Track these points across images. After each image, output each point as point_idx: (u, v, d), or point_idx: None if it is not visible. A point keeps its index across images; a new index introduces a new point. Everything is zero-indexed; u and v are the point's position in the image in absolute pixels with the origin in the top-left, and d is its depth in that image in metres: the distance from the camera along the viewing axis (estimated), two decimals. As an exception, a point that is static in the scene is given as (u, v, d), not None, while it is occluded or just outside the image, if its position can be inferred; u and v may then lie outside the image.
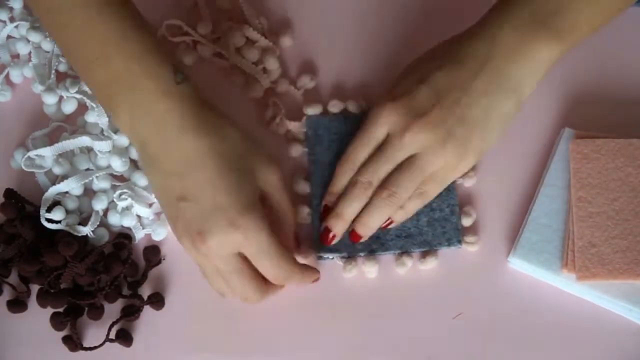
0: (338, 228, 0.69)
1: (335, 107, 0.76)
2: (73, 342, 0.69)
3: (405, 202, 0.68)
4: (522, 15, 0.65)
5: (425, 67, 0.67)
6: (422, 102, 0.66)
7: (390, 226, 0.69)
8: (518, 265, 0.70)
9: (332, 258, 0.72)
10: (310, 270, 0.68)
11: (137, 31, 0.63)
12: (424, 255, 0.72)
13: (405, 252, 0.71)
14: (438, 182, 0.68)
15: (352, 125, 0.73)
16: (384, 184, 0.68)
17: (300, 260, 0.70)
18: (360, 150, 0.69)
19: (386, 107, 0.67)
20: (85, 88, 0.74)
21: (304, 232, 0.72)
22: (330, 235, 0.69)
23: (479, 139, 0.66)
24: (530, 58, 0.65)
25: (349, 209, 0.69)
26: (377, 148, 0.68)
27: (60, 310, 0.70)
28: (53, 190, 0.72)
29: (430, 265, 0.71)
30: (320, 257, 0.72)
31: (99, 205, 0.72)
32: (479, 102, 0.65)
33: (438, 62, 0.67)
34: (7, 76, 0.78)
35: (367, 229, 0.69)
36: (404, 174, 0.67)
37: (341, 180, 0.70)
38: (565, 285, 0.70)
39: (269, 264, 0.64)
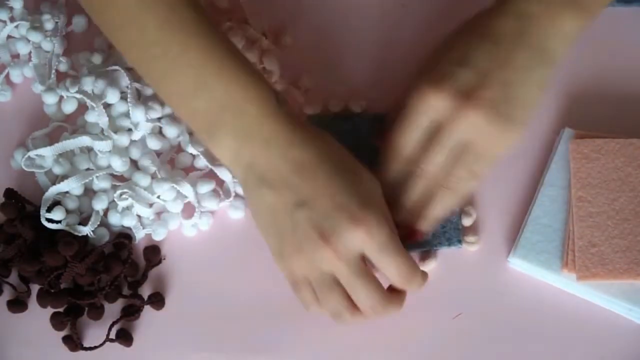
0: (398, 218, 0.67)
1: (335, 107, 0.76)
2: (73, 342, 0.69)
3: (458, 185, 0.67)
4: None
5: (460, 47, 0.67)
6: (465, 85, 0.64)
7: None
8: (518, 265, 0.70)
9: (332, 258, 0.72)
10: (425, 273, 0.66)
11: (232, 56, 0.63)
12: (424, 255, 0.71)
13: (405, 252, 0.71)
14: (488, 161, 0.66)
15: (353, 125, 0.73)
16: (442, 173, 0.66)
17: None
18: (406, 137, 0.67)
19: (430, 93, 0.65)
20: (86, 88, 0.74)
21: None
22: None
23: (524, 114, 0.66)
24: (561, 29, 0.65)
25: (409, 201, 0.67)
26: (426, 135, 0.66)
27: (60, 310, 0.70)
28: (53, 190, 0.72)
29: (430, 265, 0.71)
30: (320, 257, 0.71)
31: (99, 205, 0.72)
32: (521, 78, 0.65)
33: (473, 41, 0.66)
34: (7, 76, 0.78)
35: (430, 222, 0.68)
36: (459, 161, 0.66)
37: (390, 172, 0.68)
38: (565, 285, 0.70)
39: (393, 262, 0.62)
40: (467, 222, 0.72)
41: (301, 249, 0.62)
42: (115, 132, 0.73)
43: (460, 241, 0.71)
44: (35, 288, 0.71)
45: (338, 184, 0.62)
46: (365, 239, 0.61)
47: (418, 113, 0.65)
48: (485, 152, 0.66)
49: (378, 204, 0.63)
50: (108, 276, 0.70)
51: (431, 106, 0.65)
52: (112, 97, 0.73)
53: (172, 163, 0.75)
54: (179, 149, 0.75)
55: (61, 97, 0.76)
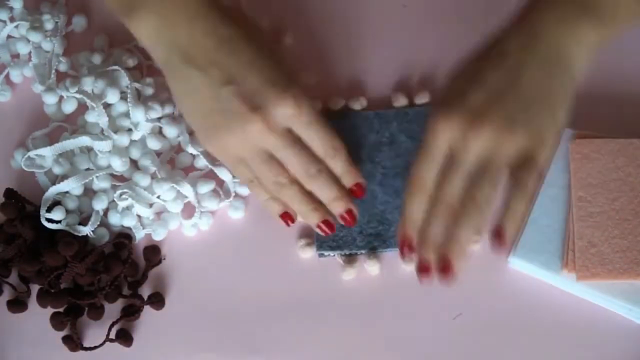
0: (429, 254, 0.62)
1: (335, 105, 0.76)
2: (73, 342, 0.69)
3: (510, 202, 0.61)
4: (564, 7, 0.62)
5: (471, 67, 0.63)
6: (476, 103, 0.60)
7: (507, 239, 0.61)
8: (518, 265, 0.70)
9: (333, 255, 0.72)
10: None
11: None
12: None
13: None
14: (528, 166, 0.60)
15: (353, 123, 0.73)
16: (466, 197, 0.61)
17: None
18: (426, 170, 0.62)
19: (441, 117, 0.61)
20: (86, 88, 0.74)
21: (304, 230, 0.72)
22: (424, 265, 0.63)
23: (548, 117, 0.61)
24: (577, 43, 0.62)
25: (435, 235, 0.62)
26: (447, 163, 0.62)
27: (60, 310, 0.70)
28: (53, 190, 0.72)
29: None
30: (321, 255, 0.71)
31: (99, 205, 0.72)
32: (536, 84, 0.61)
33: (483, 59, 0.63)
34: (7, 76, 0.78)
35: (460, 249, 0.62)
36: (482, 181, 0.60)
37: (413, 207, 0.63)
38: (565, 285, 0.70)
39: (318, 134, 0.65)
40: (467, 222, 0.72)
41: (230, 127, 0.63)
42: (115, 132, 0.73)
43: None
44: (35, 288, 0.71)
45: (264, 62, 0.64)
46: (294, 112, 0.64)
47: (431, 140, 0.62)
48: (518, 158, 0.61)
49: (299, 83, 0.65)
50: (108, 276, 0.70)
51: (442, 130, 0.61)
52: (112, 97, 0.73)
53: (172, 163, 0.75)
54: (179, 149, 0.75)
55: (61, 97, 0.76)
